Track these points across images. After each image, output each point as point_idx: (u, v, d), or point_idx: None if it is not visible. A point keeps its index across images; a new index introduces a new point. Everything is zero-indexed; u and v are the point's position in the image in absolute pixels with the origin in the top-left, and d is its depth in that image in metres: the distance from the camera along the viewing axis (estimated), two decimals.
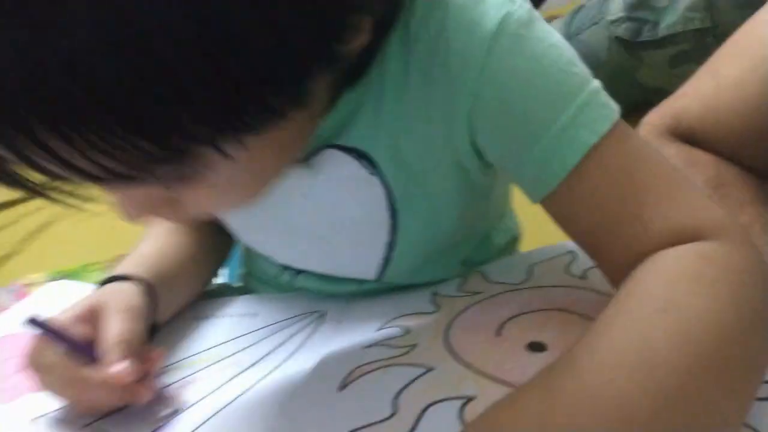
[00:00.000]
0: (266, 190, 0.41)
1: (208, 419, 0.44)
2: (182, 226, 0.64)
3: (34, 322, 0.46)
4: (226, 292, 0.70)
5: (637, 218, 0.41)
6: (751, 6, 0.63)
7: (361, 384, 0.43)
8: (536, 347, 0.43)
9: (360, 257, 0.56)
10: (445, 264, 0.58)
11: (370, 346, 0.48)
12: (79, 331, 0.47)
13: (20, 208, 1.89)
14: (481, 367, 0.41)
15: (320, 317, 0.57)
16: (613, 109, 0.42)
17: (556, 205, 0.44)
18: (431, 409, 0.38)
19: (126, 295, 0.51)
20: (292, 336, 0.54)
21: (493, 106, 0.42)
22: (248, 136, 0.32)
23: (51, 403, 0.48)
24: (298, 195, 0.50)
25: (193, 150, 0.31)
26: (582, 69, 0.43)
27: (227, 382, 0.49)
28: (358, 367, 0.45)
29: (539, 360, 0.42)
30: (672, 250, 0.39)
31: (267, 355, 0.52)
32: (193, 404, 0.47)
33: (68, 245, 1.61)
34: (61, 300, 0.65)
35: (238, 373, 0.49)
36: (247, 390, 0.47)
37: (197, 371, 0.51)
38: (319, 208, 0.52)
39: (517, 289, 0.52)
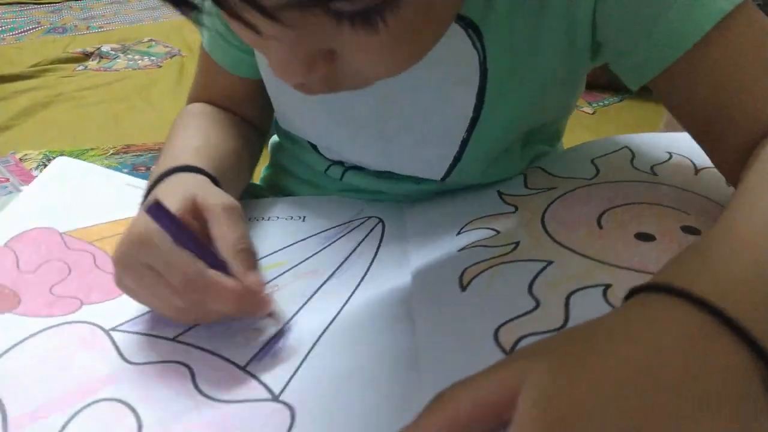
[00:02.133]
0: (432, 47, 0.38)
1: (321, 335, 0.41)
2: (218, 119, 0.60)
3: (158, 209, 0.40)
4: (254, 191, 0.66)
5: (764, 98, 0.41)
6: None
7: (481, 283, 0.42)
8: (645, 237, 0.43)
9: (431, 154, 0.54)
10: (512, 165, 0.57)
11: (463, 248, 0.47)
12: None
13: (13, 86, 1.70)
14: (603, 258, 0.41)
15: (379, 223, 0.55)
16: None
17: (675, 78, 0.43)
18: (573, 297, 0.38)
19: (217, 191, 0.46)
20: (359, 243, 0.52)
21: None
22: None
23: (121, 311, 0.44)
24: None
25: None
26: None
27: (316, 293, 0.46)
28: (467, 268, 0.43)
29: (655, 248, 0.41)
30: None
31: (344, 263, 0.49)
32: (292, 319, 0.44)
33: (61, 129, 1.47)
34: (74, 182, 0.62)
35: (323, 283, 0.47)
36: (347, 302, 0.45)
37: (271, 280, 0.48)
38: (399, 94, 0.50)
39: (592, 184, 0.52)
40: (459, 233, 0.50)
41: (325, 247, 0.52)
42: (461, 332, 0.38)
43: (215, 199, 0.44)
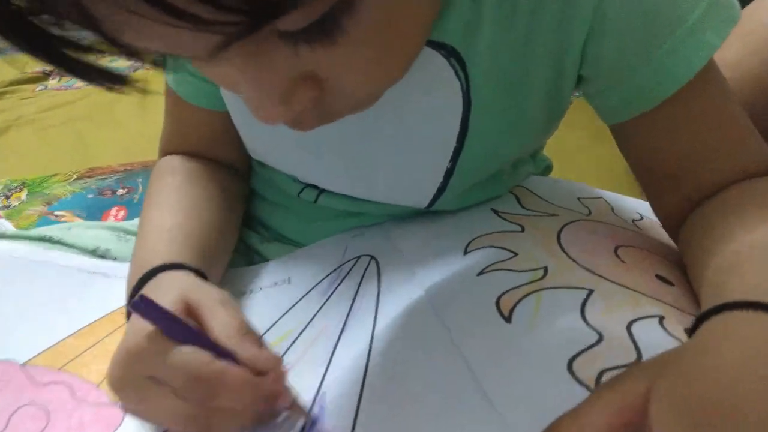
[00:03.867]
0: (408, 68, 0.36)
1: (360, 398, 0.36)
2: (197, 182, 0.54)
3: (147, 305, 0.34)
4: None
5: (734, 148, 0.43)
6: None
7: (525, 313, 0.38)
8: (664, 280, 0.42)
9: (414, 184, 0.51)
10: (500, 187, 0.55)
11: (483, 272, 0.43)
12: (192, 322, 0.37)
13: None
14: (641, 290, 0.40)
15: (371, 260, 0.50)
16: (737, 8, 0.41)
17: (650, 122, 0.43)
18: (634, 327, 0.36)
19: (207, 286, 0.42)
20: (358, 285, 0.47)
21: (620, 2, 0.40)
22: None
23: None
24: None
25: None
26: None
27: (335, 352, 0.41)
28: (501, 296, 0.40)
29: (678, 292, 0.41)
30: (757, 179, 0.42)
31: (351, 310, 0.44)
32: (318, 393, 0.38)
33: (22, 155, 1.38)
34: (8, 284, 0.52)
35: (338, 340, 0.42)
36: (370, 351, 0.39)
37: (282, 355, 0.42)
38: (381, 121, 0.47)
39: (592, 220, 0.51)
40: (466, 252, 0.47)
41: (324, 303, 0.47)
42: (527, 366, 0.35)
43: (207, 294, 0.40)
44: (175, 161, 0.57)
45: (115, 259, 0.57)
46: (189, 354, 0.35)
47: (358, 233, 0.56)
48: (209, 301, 0.39)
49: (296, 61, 0.30)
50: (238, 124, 0.54)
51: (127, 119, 1.56)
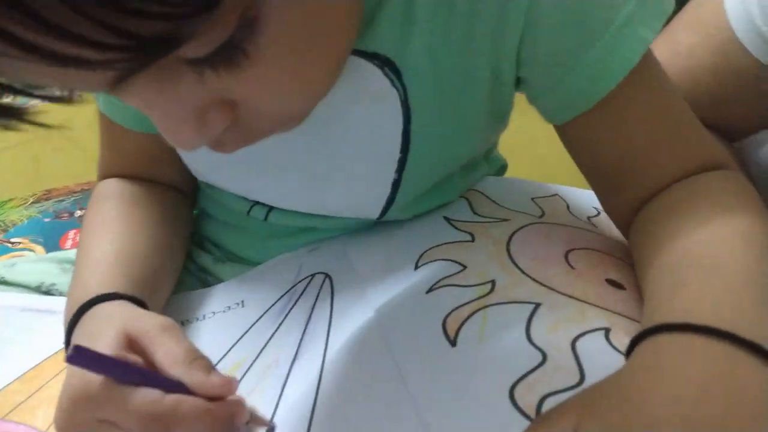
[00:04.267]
0: (332, 82, 0.35)
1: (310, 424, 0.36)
2: (136, 205, 0.53)
3: (80, 354, 0.33)
4: None
5: (674, 144, 0.43)
6: None
7: (471, 335, 0.38)
8: (615, 284, 0.42)
9: (363, 196, 0.50)
10: (452, 192, 0.55)
11: (431, 289, 0.43)
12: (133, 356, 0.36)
13: None
14: (589, 300, 0.39)
15: (325, 279, 0.49)
16: (670, 1, 0.41)
17: (590, 122, 0.42)
18: (578, 344, 0.35)
19: (146, 314, 0.41)
20: (311, 308, 0.46)
21: (553, 2, 0.39)
22: None
23: None
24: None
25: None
26: None
27: (287, 381, 0.40)
28: (448, 317, 0.39)
29: (628, 296, 0.40)
30: (702, 175, 0.42)
31: (303, 337, 0.43)
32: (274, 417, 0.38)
33: None
34: None
35: (290, 369, 0.41)
36: (320, 381, 0.39)
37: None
38: (326, 134, 0.46)
39: (544, 223, 0.50)
40: (417, 267, 0.46)
41: (277, 329, 0.45)
42: (469, 394, 0.34)
43: (148, 324, 0.39)
44: (113, 185, 0.55)
45: (61, 293, 0.55)
46: (138, 395, 0.34)
47: (313, 248, 0.55)
48: (151, 331, 0.38)
49: (204, 86, 0.29)
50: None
51: (84, 136, 1.53)
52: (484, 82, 0.44)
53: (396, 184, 0.49)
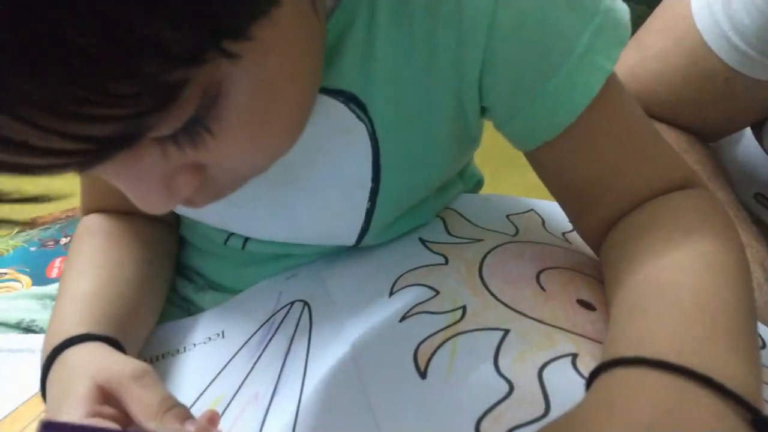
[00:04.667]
0: (301, 130, 0.35)
1: None
2: (116, 241, 0.53)
3: (48, 428, 0.34)
4: None
5: (640, 166, 0.43)
6: None
7: (441, 366, 0.38)
8: (585, 305, 0.42)
9: (337, 225, 0.50)
10: (428, 213, 0.55)
11: (404, 317, 0.43)
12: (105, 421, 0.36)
13: None
14: (558, 324, 0.39)
15: (304, 307, 0.50)
16: (626, 27, 0.41)
17: (556, 149, 0.43)
18: (545, 373, 0.36)
19: (119, 359, 0.41)
20: (290, 340, 0.47)
21: (511, 35, 0.39)
22: (253, 24, 0.25)
23: None
24: None
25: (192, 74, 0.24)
26: None
27: (267, 417, 0.41)
28: (419, 347, 0.40)
29: (597, 317, 0.41)
30: (670, 195, 0.42)
31: (282, 370, 0.44)
32: None
33: None
34: None
35: (269, 404, 0.42)
36: (297, 415, 0.39)
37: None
38: (296, 167, 0.46)
39: (517, 242, 0.51)
40: (392, 294, 0.46)
41: (256, 363, 0.46)
42: (436, 428, 0.35)
43: (119, 372, 0.39)
44: (94, 221, 0.56)
45: (41, 329, 0.55)
46: None
47: (291, 275, 0.55)
48: (123, 381, 0.38)
49: (168, 160, 0.29)
50: None
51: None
52: (449, 110, 0.44)
53: (369, 213, 0.49)
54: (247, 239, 0.55)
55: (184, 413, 0.38)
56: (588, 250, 0.50)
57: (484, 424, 0.33)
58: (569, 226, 0.55)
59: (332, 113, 0.42)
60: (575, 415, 0.30)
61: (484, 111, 0.45)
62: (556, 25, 0.39)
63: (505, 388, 0.35)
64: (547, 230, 0.54)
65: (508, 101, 0.42)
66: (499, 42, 0.39)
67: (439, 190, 0.55)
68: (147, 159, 0.28)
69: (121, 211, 0.56)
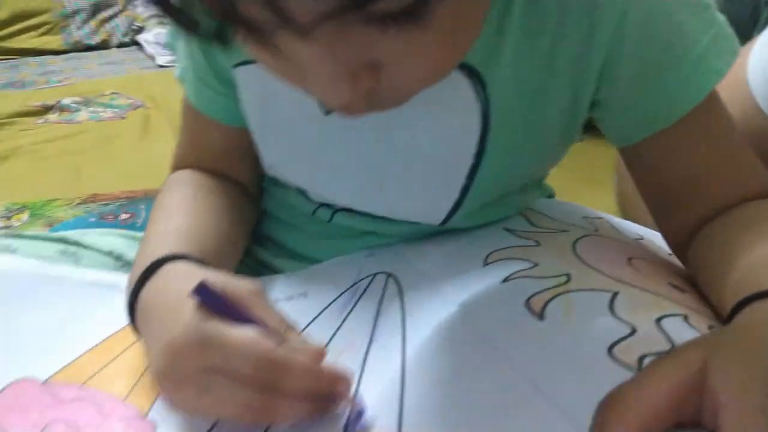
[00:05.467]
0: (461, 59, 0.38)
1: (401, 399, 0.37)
2: (208, 192, 0.54)
3: (204, 290, 0.34)
4: None
5: (735, 170, 0.46)
6: None
7: (557, 311, 0.39)
8: (677, 288, 0.44)
9: (430, 199, 0.52)
10: (511, 208, 0.57)
11: (507, 279, 0.44)
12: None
13: None
14: (664, 294, 0.41)
15: (389, 277, 0.50)
16: (737, 43, 0.45)
17: (661, 143, 0.45)
18: (662, 322, 0.37)
19: (238, 278, 0.41)
20: (380, 299, 0.47)
21: (638, 29, 0.42)
22: None
23: None
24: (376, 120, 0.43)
25: None
26: None
27: (366, 362, 0.41)
28: (531, 297, 0.41)
29: (691, 297, 0.42)
30: (765, 200, 0.45)
31: (377, 324, 0.44)
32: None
33: (19, 182, 1.37)
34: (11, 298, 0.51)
35: (367, 351, 0.42)
36: (404, 360, 0.39)
37: None
38: (398, 135, 0.48)
39: (601, 236, 0.52)
40: (486, 264, 0.47)
41: (346, 318, 0.46)
42: (567, 355, 0.36)
43: (240, 285, 0.39)
44: (185, 174, 0.58)
45: (128, 262, 0.56)
46: (255, 341, 0.34)
47: (369, 254, 0.56)
48: (246, 293, 0.38)
49: (374, 46, 0.31)
50: (257, 137, 0.54)
51: (124, 154, 1.56)
52: (563, 101, 0.47)
53: (465, 190, 0.51)
54: (335, 212, 0.56)
55: (299, 335, 0.38)
56: (664, 254, 0.51)
57: (617, 350, 0.35)
58: (639, 236, 0.57)
59: (452, 82, 0.44)
60: (739, 325, 0.31)
61: (593, 106, 0.48)
62: (681, 24, 0.43)
63: (628, 329, 0.36)
64: (621, 233, 0.55)
65: (624, 92, 0.45)
66: (626, 36, 0.43)
67: (521, 191, 0.57)
68: (361, 38, 0.30)
69: (211, 171, 0.58)
